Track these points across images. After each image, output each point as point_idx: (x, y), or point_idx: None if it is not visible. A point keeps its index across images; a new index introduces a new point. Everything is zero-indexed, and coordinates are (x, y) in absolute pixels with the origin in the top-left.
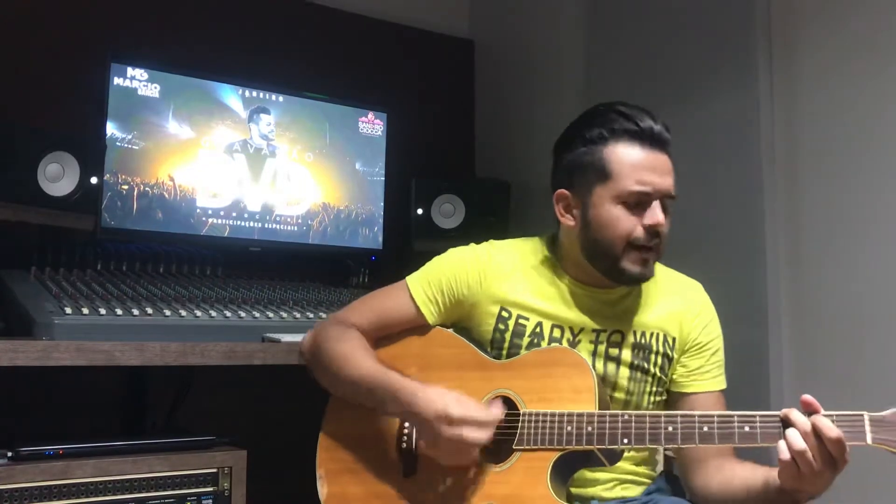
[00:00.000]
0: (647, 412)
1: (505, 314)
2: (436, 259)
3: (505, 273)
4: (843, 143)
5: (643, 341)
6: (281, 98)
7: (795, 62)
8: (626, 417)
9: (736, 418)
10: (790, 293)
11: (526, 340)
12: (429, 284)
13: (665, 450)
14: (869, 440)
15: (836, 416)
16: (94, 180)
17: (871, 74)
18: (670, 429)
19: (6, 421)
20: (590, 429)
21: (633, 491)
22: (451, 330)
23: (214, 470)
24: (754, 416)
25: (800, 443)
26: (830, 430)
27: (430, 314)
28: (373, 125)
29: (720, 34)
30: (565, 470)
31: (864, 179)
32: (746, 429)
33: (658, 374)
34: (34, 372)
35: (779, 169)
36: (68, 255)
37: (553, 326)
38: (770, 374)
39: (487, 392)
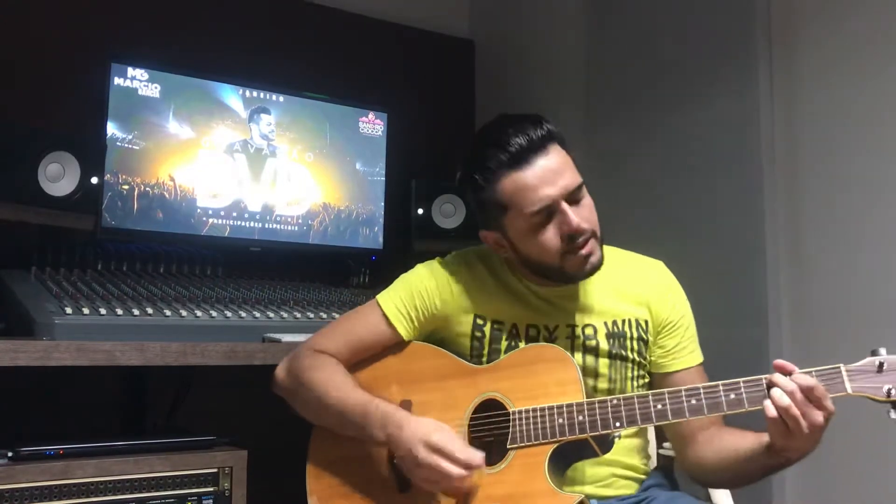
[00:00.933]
0: (635, 394)
1: (479, 321)
2: (403, 276)
3: (472, 282)
4: (843, 143)
5: (616, 329)
6: (281, 98)
7: (795, 62)
8: (615, 402)
9: (721, 387)
10: (790, 292)
11: (504, 344)
12: (401, 302)
13: (659, 448)
14: (849, 389)
15: (815, 371)
16: (94, 180)
17: (871, 74)
18: (659, 406)
19: (7, 421)
20: (581, 417)
21: (631, 488)
22: (427, 343)
23: (215, 470)
24: (738, 382)
25: (784, 399)
26: (814, 384)
27: (404, 331)
28: (373, 125)
29: (720, 35)
30: (560, 464)
31: (863, 179)
32: (732, 396)
33: (637, 358)
34: (35, 372)
35: (779, 169)
36: (69, 255)
37: (528, 327)
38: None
39: (473, 397)
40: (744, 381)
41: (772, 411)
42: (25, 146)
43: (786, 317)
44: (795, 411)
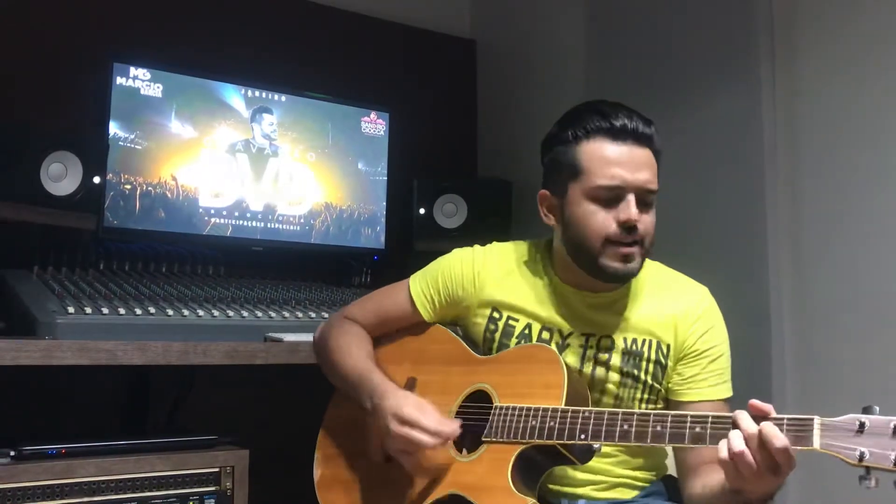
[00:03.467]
0: (607, 410)
1: (496, 315)
2: (438, 259)
3: (499, 275)
4: (845, 143)
5: (633, 348)
6: (283, 98)
7: (797, 62)
8: (586, 414)
9: (689, 418)
10: (792, 292)
11: (514, 341)
12: (427, 284)
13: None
14: (817, 445)
15: (787, 419)
16: (96, 180)
17: (873, 74)
18: (625, 427)
19: (9, 420)
20: (552, 423)
21: (629, 494)
22: (446, 327)
23: (217, 469)
24: (707, 416)
25: (739, 444)
26: (776, 437)
27: (425, 312)
28: (375, 125)
29: (721, 34)
30: (533, 466)
31: (865, 179)
32: (697, 429)
33: (650, 381)
34: (37, 371)
35: (780, 169)
36: (71, 255)
37: (542, 329)
38: (772, 373)
39: (468, 386)
40: (712, 417)
41: (723, 453)
42: (27, 146)
43: (786, 317)
44: (749, 458)
